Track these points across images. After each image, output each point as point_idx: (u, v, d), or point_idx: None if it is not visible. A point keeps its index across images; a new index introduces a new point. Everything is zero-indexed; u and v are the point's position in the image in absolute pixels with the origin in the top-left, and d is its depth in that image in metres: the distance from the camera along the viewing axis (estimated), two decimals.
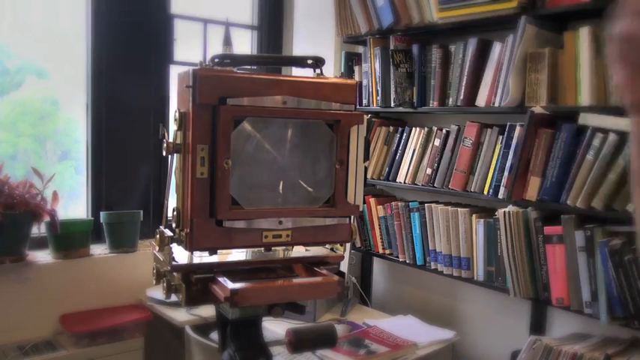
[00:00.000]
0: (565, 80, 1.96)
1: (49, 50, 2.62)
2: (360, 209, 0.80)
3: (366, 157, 0.79)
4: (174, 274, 0.75)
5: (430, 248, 2.41)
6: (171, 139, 0.74)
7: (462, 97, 2.28)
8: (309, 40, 3.09)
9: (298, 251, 0.82)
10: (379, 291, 2.92)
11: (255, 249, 0.80)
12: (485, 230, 2.20)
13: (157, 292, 2.47)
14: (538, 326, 2.23)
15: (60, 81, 2.66)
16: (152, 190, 2.77)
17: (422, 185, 2.44)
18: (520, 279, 2.05)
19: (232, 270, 0.76)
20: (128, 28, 2.66)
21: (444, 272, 2.37)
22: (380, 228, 2.64)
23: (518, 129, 2.10)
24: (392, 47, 2.51)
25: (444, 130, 2.39)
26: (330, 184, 0.78)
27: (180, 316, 2.34)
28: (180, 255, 0.76)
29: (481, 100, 2.23)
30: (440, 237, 2.36)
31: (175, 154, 0.74)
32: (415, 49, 2.47)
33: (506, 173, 2.12)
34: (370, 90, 2.65)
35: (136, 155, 2.72)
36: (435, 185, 2.38)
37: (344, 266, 2.18)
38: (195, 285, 0.74)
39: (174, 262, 0.74)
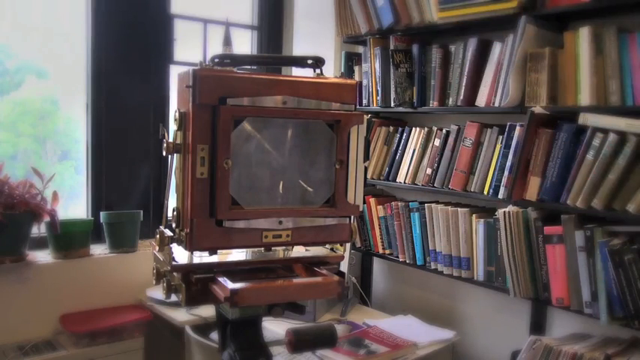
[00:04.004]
0: (565, 80, 1.96)
1: (49, 50, 2.62)
2: (360, 209, 0.80)
3: (366, 157, 0.79)
4: (174, 274, 0.75)
5: (430, 248, 2.41)
6: (171, 139, 0.74)
7: (462, 97, 2.28)
8: (309, 40, 3.09)
9: (298, 251, 0.82)
10: (379, 291, 2.92)
11: (255, 249, 0.80)
12: (486, 230, 2.20)
13: (157, 292, 2.47)
14: (538, 326, 2.23)
15: (60, 81, 2.66)
16: (152, 190, 2.77)
17: (422, 185, 2.44)
18: (520, 279, 2.05)
19: (232, 270, 0.76)
20: (128, 28, 2.66)
21: (444, 272, 2.37)
22: (380, 228, 2.64)
23: (518, 129, 2.10)
24: (392, 47, 2.51)
25: (444, 130, 2.39)
26: (330, 184, 0.78)
27: (180, 316, 2.34)
28: (180, 255, 0.76)
29: (481, 100, 2.23)
30: (440, 237, 2.36)
31: (175, 154, 0.74)
32: (415, 49, 2.47)
33: (506, 173, 2.12)
34: (370, 90, 2.65)
35: (136, 155, 2.72)
36: (435, 185, 2.38)
37: (344, 266, 2.18)
38: (195, 285, 0.74)
39: (174, 262, 0.74)
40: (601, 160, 1.82)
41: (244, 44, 3.15)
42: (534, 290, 2.05)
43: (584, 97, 1.89)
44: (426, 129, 2.47)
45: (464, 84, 2.27)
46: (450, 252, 2.34)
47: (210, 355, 2.01)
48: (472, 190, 2.25)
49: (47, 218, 2.37)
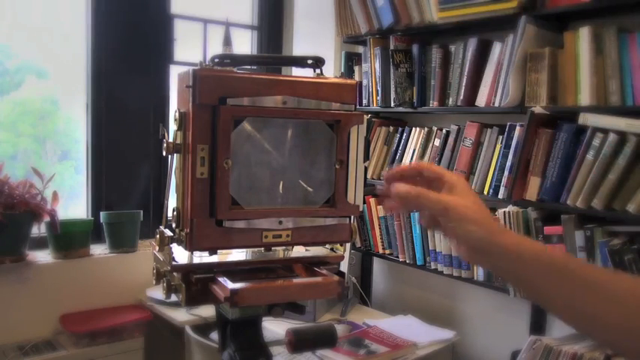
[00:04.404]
0: (565, 80, 1.96)
1: (49, 50, 2.62)
2: (360, 209, 0.80)
3: (366, 157, 0.79)
4: (175, 274, 0.75)
5: (430, 248, 2.41)
6: (171, 139, 0.74)
7: (462, 97, 2.28)
8: (309, 40, 3.09)
9: (298, 251, 0.82)
10: (379, 291, 2.92)
11: (255, 249, 0.80)
12: None
13: (157, 292, 2.47)
14: (538, 326, 2.23)
15: (60, 81, 2.66)
16: (152, 190, 2.77)
17: None
18: None
19: (232, 270, 0.76)
20: (128, 28, 2.66)
21: (444, 272, 2.36)
22: (380, 228, 2.64)
23: (518, 129, 2.10)
24: (392, 47, 2.51)
25: (444, 130, 2.39)
26: (330, 184, 0.78)
27: (180, 316, 2.34)
28: (180, 255, 0.76)
29: (481, 100, 2.23)
30: (440, 237, 2.36)
31: (175, 154, 0.74)
32: (415, 49, 2.47)
33: (506, 173, 2.12)
34: (370, 90, 2.65)
35: (136, 155, 2.72)
36: None
37: (344, 266, 2.18)
38: (195, 285, 0.74)
39: (174, 262, 0.74)
40: (601, 160, 1.81)
41: (244, 44, 3.15)
42: None
43: (584, 97, 1.89)
44: (426, 129, 2.47)
45: (464, 84, 2.27)
46: (450, 252, 2.34)
47: (210, 355, 2.01)
48: None
49: (47, 218, 2.37)
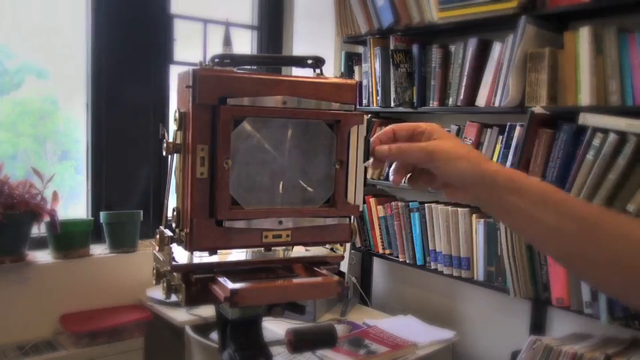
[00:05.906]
0: (565, 80, 1.96)
1: (49, 50, 2.62)
2: (360, 209, 0.80)
3: (366, 157, 0.79)
4: (174, 274, 0.75)
5: (430, 248, 2.41)
6: (171, 139, 0.74)
7: (462, 97, 2.28)
8: (309, 40, 3.09)
9: (298, 251, 0.82)
10: (379, 291, 2.92)
11: (255, 249, 0.80)
12: (486, 230, 2.20)
13: (157, 292, 2.47)
14: (538, 326, 2.23)
15: (60, 81, 2.67)
16: (152, 190, 2.77)
17: None
18: (520, 279, 2.05)
19: (232, 270, 0.76)
20: (128, 28, 2.66)
21: (444, 272, 2.37)
22: (380, 228, 2.64)
23: (518, 129, 2.10)
24: (392, 47, 2.51)
25: None
26: (330, 184, 0.78)
27: (180, 316, 2.34)
28: (180, 255, 0.75)
29: (481, 100, 2.23)
30: (440, 237, 2.36)
31: (175, 154, 0.74)
32: (415, 49, 2.47)
33: None
34: (370, 90, 2.65)
35: (136, 155, 2.72)
36: None
37: (344, 266, 2.18)
38: (195, 285, 0.74)
39: (174, 262, 0.74)
40: (601, 160, 1.81)
41: (244, 44, 3.15)
42: (534, 290, 2.05)
43: (584, 97, 1.89)
44: None
45: (464, 84, 2.27)
46: (450, 252, 2.34)
47: (210, 355, 2.01)
48: None
49: (47, 218, 2.37)
